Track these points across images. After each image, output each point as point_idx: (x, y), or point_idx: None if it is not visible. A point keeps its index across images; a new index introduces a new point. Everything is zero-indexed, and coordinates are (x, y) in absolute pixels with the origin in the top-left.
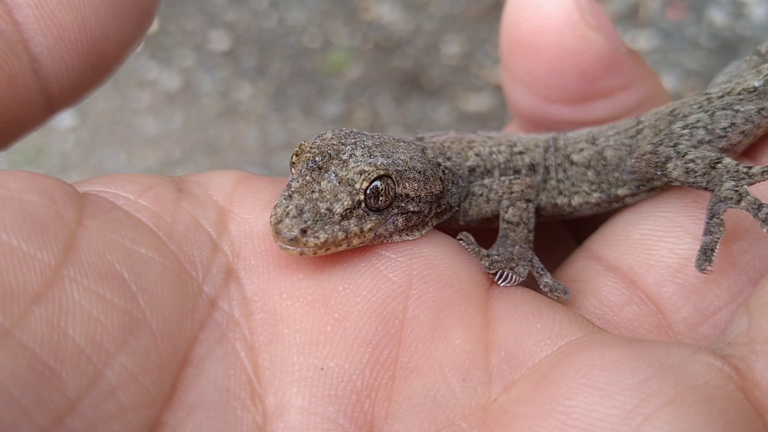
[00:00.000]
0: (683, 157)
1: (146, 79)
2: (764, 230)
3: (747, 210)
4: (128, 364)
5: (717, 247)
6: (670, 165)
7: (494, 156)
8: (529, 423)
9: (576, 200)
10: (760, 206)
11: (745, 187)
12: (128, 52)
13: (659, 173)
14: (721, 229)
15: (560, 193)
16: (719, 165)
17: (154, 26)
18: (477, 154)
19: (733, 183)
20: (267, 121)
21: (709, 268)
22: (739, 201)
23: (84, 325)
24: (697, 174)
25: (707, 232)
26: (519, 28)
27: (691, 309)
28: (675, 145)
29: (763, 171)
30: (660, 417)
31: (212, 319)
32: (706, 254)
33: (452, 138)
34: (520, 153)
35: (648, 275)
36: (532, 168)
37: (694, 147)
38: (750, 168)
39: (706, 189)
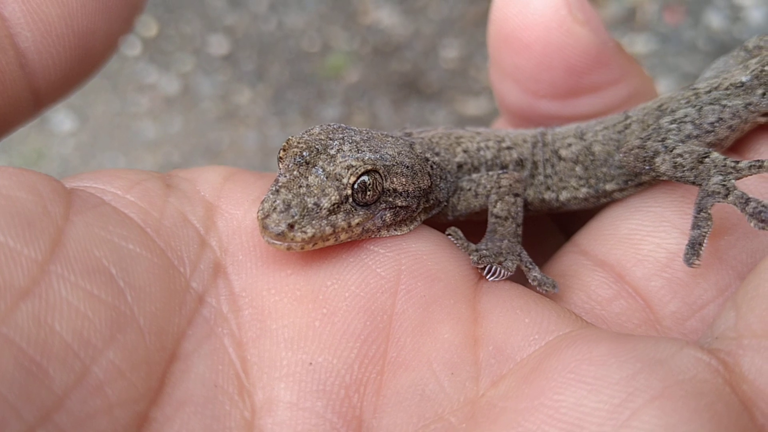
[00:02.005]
0: (671, 151)
1: (146, 84)
2: (752, 224)
3: (735, 204)
4: (116, 360)
5: (705, 241)
6: (658, 159)
7: (482, 151)
8: (517, 417)
9: (564, 195)
10: (748, 200)
11: (733, 181)
12: (115, 48)
13: (647, 168)
14: (709, 223)
15: (548, 188)
16: (707, 159)
17: (154, 30)
18: (465, 150)
19: (720, 177)
20: (266, 124)
21: (696, 262)
22: (726, 195)
23: (71, 321)
24: (684, 168)
25: (695, 226)
26: (507, 23)
27: (678, 303)
28: (663, 140)
29: (751, 165)
30: (647, 411)
31: (200, 315)
32: (693, 248)
33: (440, 133)
34: (508, 148)
35: (636, 270)
36: (520, 163)
37: (682, 142)
38: (737, 163)
39: (693, 183)
